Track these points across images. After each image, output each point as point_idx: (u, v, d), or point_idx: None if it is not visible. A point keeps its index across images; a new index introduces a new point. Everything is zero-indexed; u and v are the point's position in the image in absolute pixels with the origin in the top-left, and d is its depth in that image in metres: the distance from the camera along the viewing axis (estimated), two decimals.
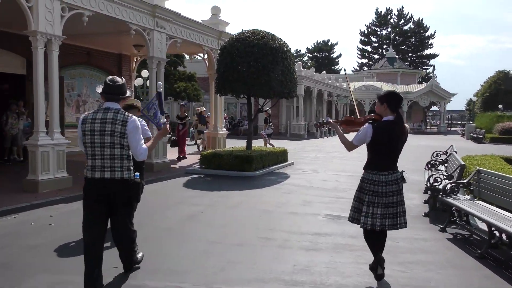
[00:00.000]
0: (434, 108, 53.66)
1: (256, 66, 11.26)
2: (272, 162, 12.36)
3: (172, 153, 13.38)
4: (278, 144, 21.99)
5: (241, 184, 9.63)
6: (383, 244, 4.08)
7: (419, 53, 74.08)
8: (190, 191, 8.71)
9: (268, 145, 16.13)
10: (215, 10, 14.75)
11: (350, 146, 4.08)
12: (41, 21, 8.06)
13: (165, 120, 4.00)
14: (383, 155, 3.94)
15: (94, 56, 15.03)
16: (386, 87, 46.40)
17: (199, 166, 11.66)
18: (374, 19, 75.91)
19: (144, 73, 21.07)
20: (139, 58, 16.54)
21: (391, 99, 3.91)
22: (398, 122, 3.89)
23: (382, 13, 75.17)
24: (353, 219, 4.10)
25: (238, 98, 12.73)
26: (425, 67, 71.68)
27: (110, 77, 3.76)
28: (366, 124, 3.95)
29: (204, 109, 19.23)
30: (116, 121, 3.50)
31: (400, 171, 4.03)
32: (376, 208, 3.88)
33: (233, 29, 12.15)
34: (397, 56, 60.54)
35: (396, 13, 75.04)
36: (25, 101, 12.49)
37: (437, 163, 8.93)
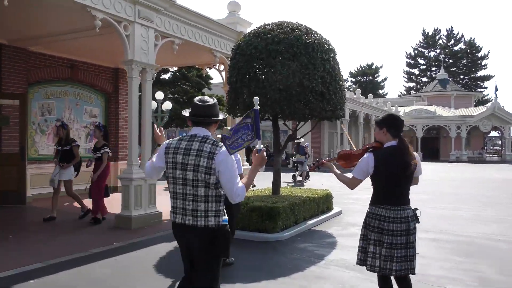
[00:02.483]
0: (492, 133, 48.24)
1: (283, 71, 7.52)
2: (310, 213, 8.39)
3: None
4: (319, 179, 17.94)
5: (255, 260, 5.74)
6: None
7: (472, 75, 68.35)
8: (157, 282, 4.89)
9: None
10: (233, 7, 11.22)
11: (351, 182, 3.61)
12: None
13: (262, 146, 3.01)
14: (390, 187, 3.48)
15: (80, 70, 11.74)
16: (440, 111, 41.66)
17: None
18: (421, 41, 71.02)
19: (159, 95, 17.83)
20: None
21: (391, 123, 3.55)
22: (402, 148, 3.48)
23: (430, 34, 70.26)
24: (361, 261, 3.59)
25: (260, 121, 8.92)
26: (479, 89, 65.86)
27: (198, 97, 3.12)
28: (366, 153, 3.53)
29: (302, 139, 17.00)
30: (202, 153, 2.82)
31: (412, 207, 3.53)
32: (384, 248, 3.41)
33: None
34: (449, 78, 55.25)
35: (445, 33, 70.00)
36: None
37: None
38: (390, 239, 3.40)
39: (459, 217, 9.28)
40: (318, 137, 27.77)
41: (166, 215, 8.54)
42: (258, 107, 3.09)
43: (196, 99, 3.08)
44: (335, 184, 14.35)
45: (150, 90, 8.28)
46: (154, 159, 3.08)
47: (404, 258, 3.40)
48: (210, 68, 12.48)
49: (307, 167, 17.09)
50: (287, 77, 7.51)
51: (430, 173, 23.15)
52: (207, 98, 3.06)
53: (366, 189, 13.13)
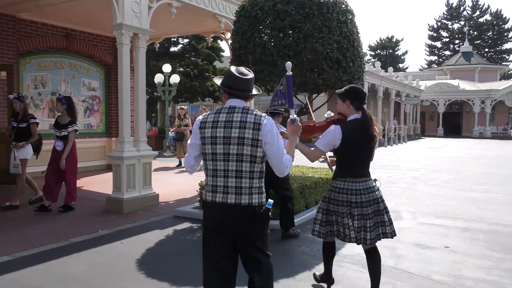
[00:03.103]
0: None
1: (293, 35, 6.56)
2: (323, 196, 7.51)
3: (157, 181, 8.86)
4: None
5: None
6: (379, 270, 3.59)
7: (497, 48, 65.54)
8: (136, 282, 4.12)
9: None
10: None
11: (313, 154, 3.54)
12: None
13: (295, 115, 2.95)
14: (356, 160, 3.55)
15: (77, 40, 10.90)
16: (464, 85, 39.89)
17: (198, 205, 7.07)
18: (445, 12, 68.11)
19: (166, 67, 16.96)
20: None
21: (354, 95, 3.55)
22: (366, 121, 3.49)
23: (454, 5, 67.27)
24: (320, 233, 3.74)
25: (269, 93, 8.01)
26: (504, 63, 63.17)
27: (234, 67, 2.79)
28: (333, 126, 3.51)
29: (332, 114, 16.84)
30: (246, 124, 2.59)
31: (372, 178, 3.60)
32: (355, 221, 3.46)
33: None
34: (473, 51, 52.87)
35: (470, 4, 67.01)
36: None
37: None
38: (360, 211, 3.45)
39: (493, 200, 8.29)
40: (334, 110, 26.70)
41: (163, 197, 7.78)
42: (291, 73, 3.01)
43: (234, 69, 2.78)
44: None
45: (143, 58, 7.39)
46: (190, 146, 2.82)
47: (375, 225, 3.48)
48: (221, 40, 11.53)
49: None
50: (298, 42, 6.56)
51: (453, 150, 21.99)
52: (244, 70, 2.79)
53: (382, 167, 12.13)
